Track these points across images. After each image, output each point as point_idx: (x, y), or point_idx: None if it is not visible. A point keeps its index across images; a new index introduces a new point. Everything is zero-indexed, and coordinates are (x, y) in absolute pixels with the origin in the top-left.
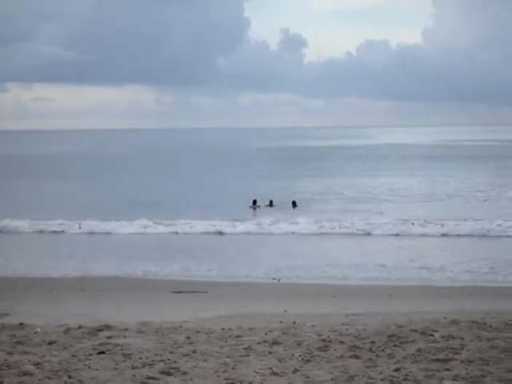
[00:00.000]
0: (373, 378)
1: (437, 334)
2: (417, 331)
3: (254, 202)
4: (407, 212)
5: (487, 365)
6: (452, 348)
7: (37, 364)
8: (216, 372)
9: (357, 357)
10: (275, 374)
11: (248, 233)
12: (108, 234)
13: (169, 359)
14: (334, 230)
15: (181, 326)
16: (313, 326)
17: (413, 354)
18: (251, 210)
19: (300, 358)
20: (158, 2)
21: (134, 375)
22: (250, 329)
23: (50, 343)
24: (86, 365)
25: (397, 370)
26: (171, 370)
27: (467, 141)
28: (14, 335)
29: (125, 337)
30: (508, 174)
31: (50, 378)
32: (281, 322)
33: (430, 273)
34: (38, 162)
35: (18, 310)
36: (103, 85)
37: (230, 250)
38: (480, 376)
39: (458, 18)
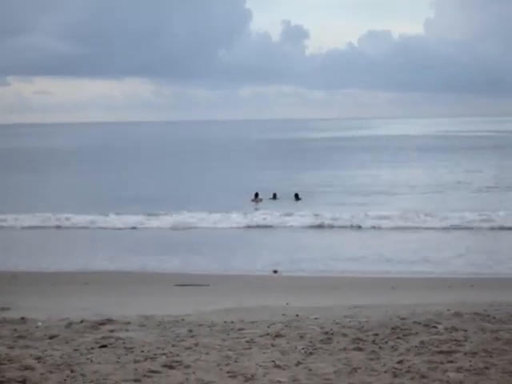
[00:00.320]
0: (376, 371)
1: (440, 326)
2: (420, 323)
3: (256, 194)
4: (410, 204)
5: (491, 356)
6: (455, 340)
7: (38, 358)
8: (218, 365)
9: (360, 349)
10: (278, 366)
11: (249, 226)
12: (107, 228)
13: (171, 352)
14: (336, 222)
15: (183, 320)
16: (315, 318)
17: (416, 347)
18: (253, 203)
19: (303, 351)
20: None
21: (136, 369)
22: (253, 322)
23: (52, 337)
24: (88, 359)
25: (400, 362)
26: (173, 364)
27: (469, 131)
28: (15, 329)
29: (127, 330)
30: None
31: (51, 372)
32: (283, 314)
33: (433, 265)
34: (36, 156)
35: (20, 304)
36: (103, 78)
37: (230, 244)
38: (484, 368)
39: (460, 9)
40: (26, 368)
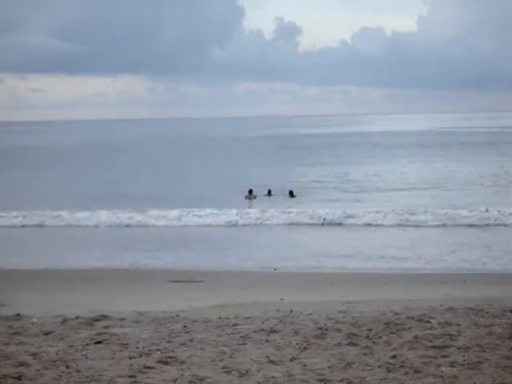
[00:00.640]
0: (370, 366)
1: (433, 321)
2: (413, 318)
3: (250, 191)
4: (404, 200)
5: (484, 351)
6: (449, 335)
7: (34, 354)
8: (213, 360)
9: (354, 344)
10: (272, 362)
11: (242, 223)
12: (99, 225)
13: (166, 348)
14: (331, 219)
15: (177, 316)
16: (309, 314)
17: (409, 341)
18: (247, 200)
19: (297, 346)
20: None
21: (131, 364)
22: (247, 317)
23: (47, 334)
24: (83, 355)
25: (394, 357)
26: (168, 359)
27: (462, 127)
28: (10, 326)
29: (122, 326)
30: (508, 160)
31: (47, 369)
32: (277, 310)
33: (426, 261)
34: (29, 154)
35: (15, 300)
36: (97, 75)
37: (224, 241)
38: (477, 362)
39: (453, 6)
40: (22, 364)
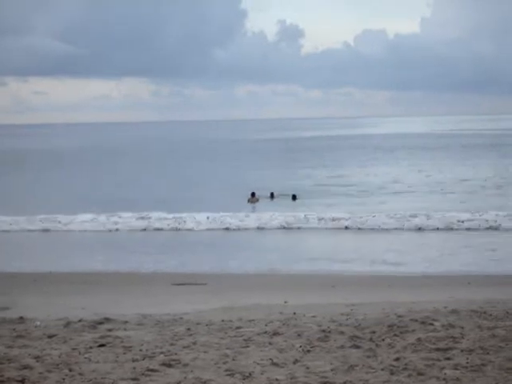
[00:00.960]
0: (373, 368)
1: (437, 324)
2: (417, 321)
3: (253, 194)
4: (408, 204)
5: (487, 354)
6: (452, 337)
7: (37, 357)
8: (216, 363)
9: (357, 347)
10: (275, 364)
11: (244, 227)
12: (101, 228)
13: (169, 351)
14: (333, 223)
15: (181, 318)
16: (313, 316)
17: (413, 344)
18: (249, 203)
19: (300, 349)
20: None
21: (134, 367)
22: (250, 320)
23: (51, 337)
24: (86, 358)
25: (397, 359)
26: (172, 362)
27: (465, 130)
28: (14, 329)
29: (125, 329)
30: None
31: (50, 372)
32: (281, 313)
33: (429, 263)
34: (31, 157)
35: (18, 303)
36: (100, 78)
37: (226, 244)
38: (480, 365)
39: (456, 8)
40: (25, 367)
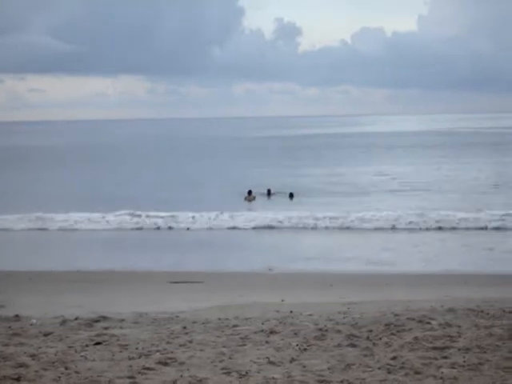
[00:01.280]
0: (370, 367)
1: (434, 322)
2: (414, 319)
3: (249, 192)
4: (405, 203)
5: (485, 352)
6: (449, 336)
7: (33, 355)
8: (213, 362)
9: (354, 345)
10: (272, 363)
11: (242, 225)
12: (98, 227)
13: (165, 349)
14: (330, 222)
15: (177, 317)
16: (309, 315)
17: (410, 343)
18: (246, 201)
19: (297, 347)
20: None
21: (130, 366)
22: (247, 318)
23: (46, 335)
24: (82, 356)
25: (394, 358)
26: (168, 360)
27: (463, 128)
28: (9, 327)
29: (121, 328)
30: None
31: (46, 370)
32: (277, 311)
33: (426, 262)
34: (27, 154)
35: (14, 301)
36: (97, 75)
37: (223, 243)
38: (477, 364)
39: (453, 6)
40: (21, 365)
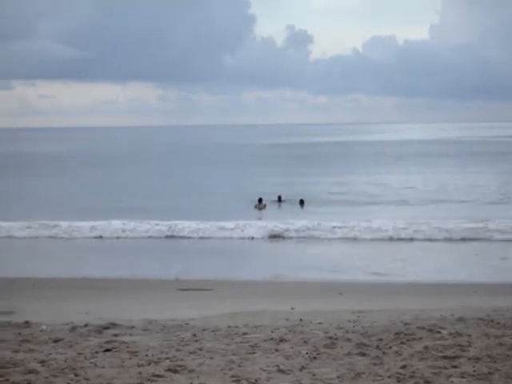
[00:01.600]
0: (380, 376)
1: (444, 331)
2: (424, 328)
3: (260, 200)
4: (415, 213)
5: (495, 362)
6: (459, 345)
7: (42, 362)
8: (222, 369)
9: (363, 354)
10: (282, 371)
11: (252, 235)
12: (107, 235)
13: (175, 357)
14: (340, 232)
15: (187, 324)
16: (319, 323)
17: (420, 352)
18: (256, 209)
19: (306, 356)
20: None
21: (140, 373)
22: (257, 326)
23: (56, 341)
24: (92, 362)
25: (404, 367)
26: (177, 368)
27: (474, 137)
28: (19, 333)
29: (131, 334)
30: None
31: (55, 376)
32: (287, 319)
33: (436, 272)
34: (35, 161)
35: (24, 308)
36: (106, 82)
37: (233, 252)
38: (487, 373)
39: (465, 14)
40: (31, 372)
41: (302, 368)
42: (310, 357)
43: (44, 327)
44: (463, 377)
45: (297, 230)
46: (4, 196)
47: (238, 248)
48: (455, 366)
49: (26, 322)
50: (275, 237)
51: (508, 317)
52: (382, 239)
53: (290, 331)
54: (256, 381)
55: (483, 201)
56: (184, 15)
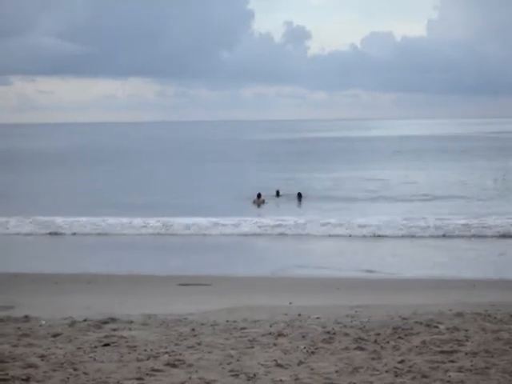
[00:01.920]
0: (377, 370)
1: (441, 326)
2: (421, 323)
3: (259, 195)
4: (412, 209)
5: (492, 357)
6: (457, 340)
7: (42, 356)
8: (221, 364)
9: (361, 349)
10: (280, 365)
11: (250, 231)
12: (105, 232)
13: (174, 351)
14: (342, 229)
15: (186, 319)
16: (317, 318)
17: (417, 346)
18: (255, 204)
19: (305, 350)
20: None
21: (139, 367)
22: (255, 321)
23: (55, 336)
24: (91, 357)
25: (401, 361)
26: (176, 362)
27: (471, 133)
28: (19, 328)
29: (130, 329)
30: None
31: (55, 371)
32: (285, 314)
33: (434, 267)
34: (31, 157)
35: (23, 302)
36: (105, 77)
37: (232, 248)
38: (485, 368)
39: (463, 10)
40: (30, 366)
41: (300, 362)
42: (308, 351)
43: (43, 322)
44: (460, 371)
45: (293, 227)
46: (2, 192)
47: (236, 244)
48: (453, 361)
49: (26, 317)
50: (270, 233)
51: (505, 312)
52: (380, 235)
53: (288, 326)
54: (254, 375)
55: (480, 196)
56: (183, 11)
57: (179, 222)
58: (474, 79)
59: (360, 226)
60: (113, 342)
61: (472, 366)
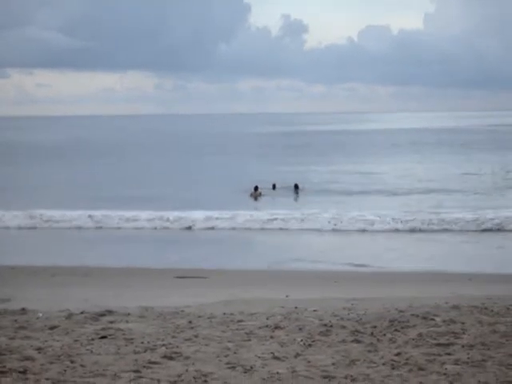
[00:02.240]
0: (374, 363)
1: (438, 319)
2: (418, 316)
3: (256, 188)
4: (410, 202)
5: (488, 349)
6: (453, 332)
7: (39, 349)
8: (218, 356)
9: (358, 341)
10: (277, 358)
11: (247, 225)
12: (103, 225)
13: (171, 344)
14: (338, 223)
15: (183, 311)
16: (314, 310)
17: (414, 339)
18: (252, 197)
19: (301, 343)
20: None
21: (135, 360)
22: (252, 314)
23: (52, 328)
24: (88, 349)
25: (398, 354)
26: (173, 355)
27: (468, 126)
28: (15, 320)
29: (127, 322)
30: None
31: (52, 363)
32: (282, 307)
33: (431, 260)
34: (29, 150)
35: (20, 295)
36: (104, 71)
37: (229, 241)
38: (481, 360)
39: (460, 4)
40: (27, 358)
41: (297, 355)
42: (304, 344)
43: (40, 314)
44: (457, 364)
45: (290, 221)
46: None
47: (232, 237)
48: (449, 354)
49: (23, 309)
50: (267, 226)
51: (501, 305)
52: (377, 229)
53: (285, 318)
54: (251, 368)
55: (478, 190)
56: (181, 5)
57: (176, 215)
58: (472, 72)
59: (357, 220)
60: (110, 335)
61: (468, 358)
